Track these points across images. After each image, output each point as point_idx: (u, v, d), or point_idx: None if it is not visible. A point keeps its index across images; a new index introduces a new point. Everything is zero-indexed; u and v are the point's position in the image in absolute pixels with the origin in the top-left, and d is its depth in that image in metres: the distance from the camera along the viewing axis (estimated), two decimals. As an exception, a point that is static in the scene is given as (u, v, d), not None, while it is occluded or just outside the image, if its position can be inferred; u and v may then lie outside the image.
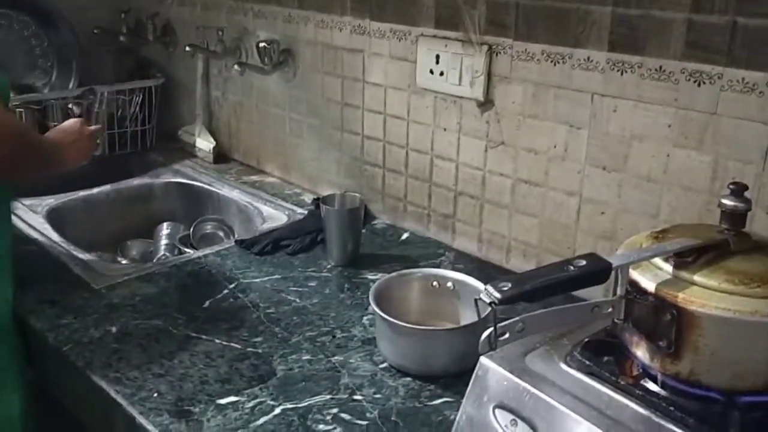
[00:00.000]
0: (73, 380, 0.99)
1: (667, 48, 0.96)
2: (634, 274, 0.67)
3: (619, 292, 0.67)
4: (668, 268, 0.67)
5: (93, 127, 1.21)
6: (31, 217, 1.41)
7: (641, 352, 0.69)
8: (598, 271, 0.63)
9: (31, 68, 1.83)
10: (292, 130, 1.60)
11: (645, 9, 0.97)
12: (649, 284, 0.66)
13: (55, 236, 1.34)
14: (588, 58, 1.04)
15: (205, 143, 1.80)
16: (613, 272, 0.65)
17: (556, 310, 0.66)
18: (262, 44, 1.54)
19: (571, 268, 0.62)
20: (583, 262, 0.63)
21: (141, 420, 0.86)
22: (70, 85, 1.87)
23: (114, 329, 1.04)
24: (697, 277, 0.65)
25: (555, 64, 1.09)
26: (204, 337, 1.03)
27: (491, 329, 0.61)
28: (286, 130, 1.62)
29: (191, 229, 1.50)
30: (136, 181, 1.67)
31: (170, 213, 1.63)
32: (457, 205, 1.30)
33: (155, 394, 0.90)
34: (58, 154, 1.12)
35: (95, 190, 1.58)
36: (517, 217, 1.20)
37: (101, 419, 0.95)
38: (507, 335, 0.63)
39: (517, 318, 0.63)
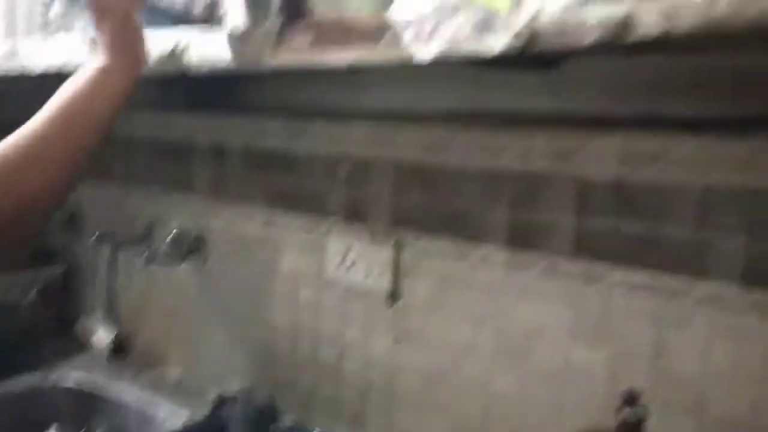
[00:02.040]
0: None
1: (558, 247, 1.01)
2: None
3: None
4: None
5: None
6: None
7: None
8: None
9: None
10: (198, 322, 1.56)
11: (536, 211, 1.03)
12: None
13: None
14: (488, 256, 1.09)
15: (103, 336, 1.70)
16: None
17: None
18: (173, 234, 1.53)
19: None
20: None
21: None
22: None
23: None
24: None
25: (457, 260, 1.13)
26: None
27: None
28: (192, 322, 1.57)
29: (81, 436, 1.38)
30: (22, 381, 1.53)
31: (58, 416, 1.49)
32: (367, 400, 1.26)
33: None
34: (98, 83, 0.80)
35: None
36: (427, 411, 1.17)
37: None
38: None
39: None
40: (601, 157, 0.96)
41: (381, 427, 1.24)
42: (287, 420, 1.36)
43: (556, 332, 1.02)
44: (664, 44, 0.55)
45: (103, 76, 0.81)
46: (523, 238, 1.05)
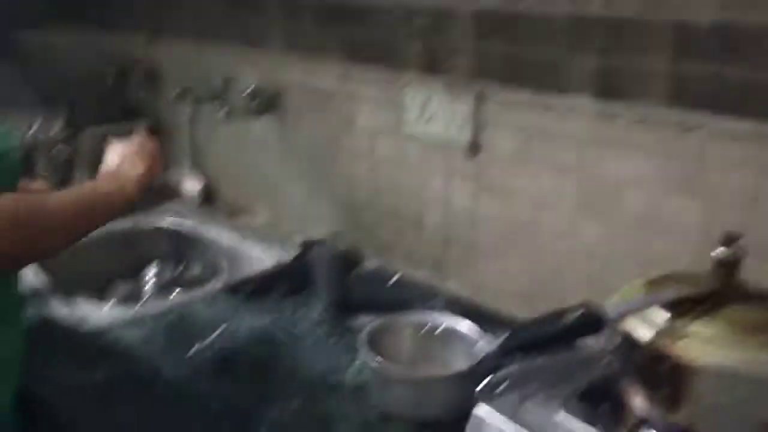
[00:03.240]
0: (58, 429, 0.97)
1: (651, 96, 0.98)
2: (630, 325, 0.67)
3: (614, 342, 0.67)
4: (664, 317, 0.67)
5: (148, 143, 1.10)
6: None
7: (639, 402, 0.69)
8: (594, 321, 0.63)
9: (17, 113, 1.82)
10: (280, 174, 1.61)
11: (629, 57, 0.99)
12: (645, 334, 0.66)
13: (41, 278, 1.32)
14: (574, 106, 1.06)
15: (192, 186, 1.79)
16: (608, 323, 0.65)
17: (554, 359, 0.66)
18: (250, 89, 1.54)
19: (567, 319, 0.62)
20: (579, 313, 0.63)
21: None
22: (57, 129, 1.86)
23: (100, 376, 1.02)
24: (693, 327, 0.66)
25: (542, 111, 1.10)
26: (192, 383, 1.01)
27: (488, 379, 0.61)
28: (274, 174, 1.62)
29: (178, 272, 1.49)
30: (123, 223, 1.65)
31: (157, 255, 1.61)
32: (447, 249, 1.30)
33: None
34: (110, 197, 1.01)
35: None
36: (507, 261, 1.21)
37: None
38: (504, 385, 0.62)
39: (514, 367, 0.63)
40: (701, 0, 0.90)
41: (460, 274, 1.29)
42: (370, 265, 1.43)
43: (645, 183, 1.01)
44: None
45: (117, 194, 1.02)
46: (612, 87, 1.02)
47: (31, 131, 1.83)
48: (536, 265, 1.16)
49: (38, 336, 1.12)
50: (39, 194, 0.91)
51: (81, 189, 1.03)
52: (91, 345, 1.10)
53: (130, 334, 1.14)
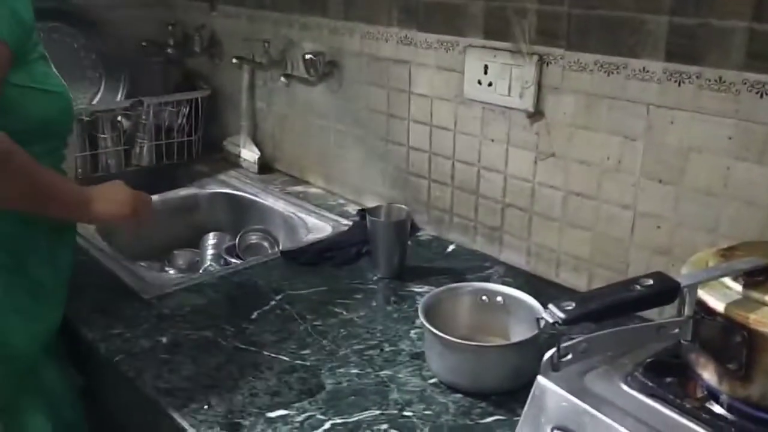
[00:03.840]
0: (124, 391, 1.00)
1: (727, 58, 0.93)
2: (703, 294, 0.65)
3: (686, 312, 0.64)
4: (738, 287, 0.64)
5: (140, 194, 1.10)
6: (81, 226, 1.43)
7: (708, 374, 0.67)
8: (665, 291, 0.61)
9: (79, 80, 1.87)
10: (336, 141, 1.60)
11: (704, 18, 0.94)
12: (718, 304, 0.64)
13: (104, 246, 1.36)
14: (643, 69, 1.02)
15: (249, 154, 1.81)
16: (680, 292, 0.62)
17: (621, 331, 0.64)
18: (307, 56, 1.54)
19: (638, 287, 0.60)
20: (650, 282, 0.61)
21: (192, 432, 0.86)
22: (119, 97, 1.90)
23: (164, 340, 1.05)
24: (769, 298, 0.63)
25: (608, 75, 1.06)
26: (252, 348, 1.02)
27: (554, 350, 0.60)
28: (330, 142, 1.62)
29: (237, 240, 1.51)
30: (182, 192, 1.69)
31: (216, 223, 1.64)
32: (504, 217, 1.28)
33: (206, 406, 0.90)
34: (82, 200, 1.03)
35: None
36: (567, 230, 1.18)
37: (152, 430, 0.95)
38: (570, 356, 0.61)
39: (580, 338, 0.62)
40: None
41: (517, 244, 1.27)
42: (425, 234, 1.42)
43: (716, 149, 0.96)
44: None
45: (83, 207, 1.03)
46: (684, 49, 0.97)
47: (95, 100, 1.88)
48: (599, 235, 1.13)
49: (102, 301, 1.16)
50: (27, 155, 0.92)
51: (64, 180, 1.04)
52: (155, 310, 1.13)
53: (192, 300, 1.16)
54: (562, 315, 0.57)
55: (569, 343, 0.61)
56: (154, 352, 1.02)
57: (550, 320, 0.58)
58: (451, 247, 1.36)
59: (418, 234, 1.42)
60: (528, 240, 1.25)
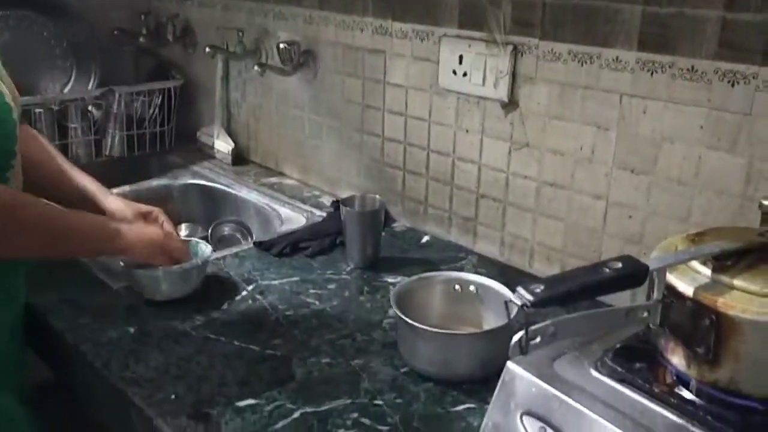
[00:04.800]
0: (91, 381, 0.98)
1: (699, 47, 0.93)
2: (671, 278, 0.65)
3: (655, 296, 0.64)
4: (707, 271, 0.64)
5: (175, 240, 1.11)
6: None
7: (677, 359, 0.67)
8: (634, 273, 0.61)
9: (50, 69, 1.83)
10: (311, 131, 1.59)
11: (677, 7, 0.94)
12: (687, 288, 0.63)
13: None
14: (617, 58, 1.02)
15: (223, 145, 1.79)
16: (649, 275, 0.62)
17: (589, 315, 0.64)
18: (282, 45, 1.52)
19: (606, 270, 0.60)
20: (619, 265, 0.60)
21: (159, 422, 0.84)
22: (90, 86, 1.87)
23: (132, 330, 1.03)
24: (737, 281, 0.63)
25: (582, 64, 1.06)
26: (222, 339, 1.01)
27: (522, 333, 0.59)
28: (305, 132, 1.61)
29: (209, 231, 1.49)
30: (154, 182, 1.66)
31: (188, 214, 1.62)
32: (479, 208, 1.27)
33: (173, 396, 0.88)
34: (109, 234, 1.00)
35: (114, 191, 1.57)
36: (541, 220, 1.18)
37: (119, 420, 0.93)
38: (538, 339, 0.60)
39: (548, 322, 0.61)
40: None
41: (491, 235, 1.26)
42: (399, 225, 1.41)
43: (688, 138, 0.97)
44: None
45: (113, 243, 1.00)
46: (657, 38, 0.97)
47: (66, 89, 1.84)
48: (572, 225, 1.13)
49: (71, 291, 1.14)
50: (40, 200, 0.91)
51: (82, 217, 0.99)
52: (124, 301, 1.11)
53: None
54: (530, 297, 0.57)
55: (538, 326, 0.60)
56: (122, 342, 1.00)
57: (518, 303, 0.57)
58: (425, 238, 1.36)
59: (393, 225, 1.41)
60: (502, 230, 1.25)
